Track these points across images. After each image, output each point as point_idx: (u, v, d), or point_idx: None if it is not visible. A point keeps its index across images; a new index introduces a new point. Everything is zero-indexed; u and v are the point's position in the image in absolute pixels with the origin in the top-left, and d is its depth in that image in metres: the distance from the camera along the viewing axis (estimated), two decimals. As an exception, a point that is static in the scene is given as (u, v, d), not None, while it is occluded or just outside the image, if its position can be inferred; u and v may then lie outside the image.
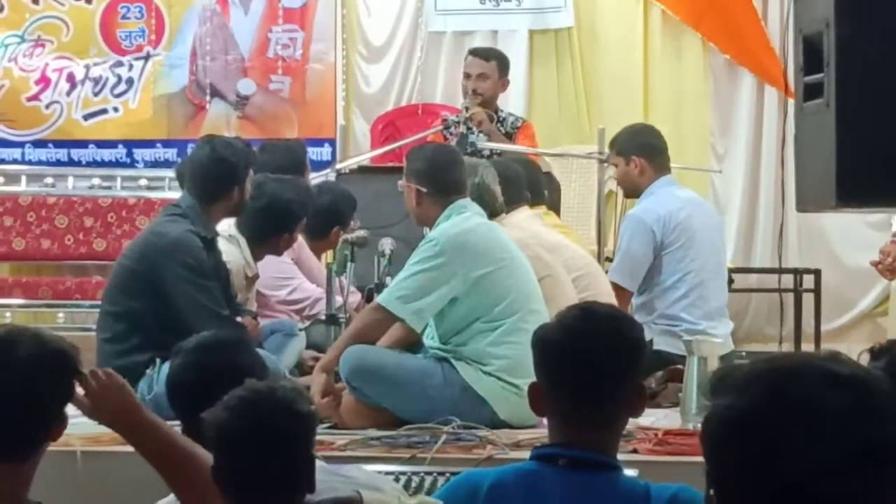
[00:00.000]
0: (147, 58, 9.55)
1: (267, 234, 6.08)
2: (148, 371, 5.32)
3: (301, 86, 9.53)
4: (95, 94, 9.55)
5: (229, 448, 2.63)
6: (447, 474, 4.02)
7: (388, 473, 3.91)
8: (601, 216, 7.49)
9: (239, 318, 5.66)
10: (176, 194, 6.56)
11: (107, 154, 9.55)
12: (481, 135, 7.48)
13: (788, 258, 8.75)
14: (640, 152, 6.72)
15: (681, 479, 2.96)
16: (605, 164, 7.23)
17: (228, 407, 2.64)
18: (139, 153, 9.55)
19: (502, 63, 7.85)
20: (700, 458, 1.74)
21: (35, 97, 9.55)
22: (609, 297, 5.85)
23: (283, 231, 6.12)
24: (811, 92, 4.36)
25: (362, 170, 7.53)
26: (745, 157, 9.18)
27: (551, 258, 5.84)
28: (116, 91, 9.55)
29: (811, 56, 4.33)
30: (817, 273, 8.44)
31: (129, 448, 2.95)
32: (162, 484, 2.90)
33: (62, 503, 3.98)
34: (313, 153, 8.71)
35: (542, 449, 2.97)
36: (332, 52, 9.51)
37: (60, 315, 8.65)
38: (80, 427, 2.77)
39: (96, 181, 9.44)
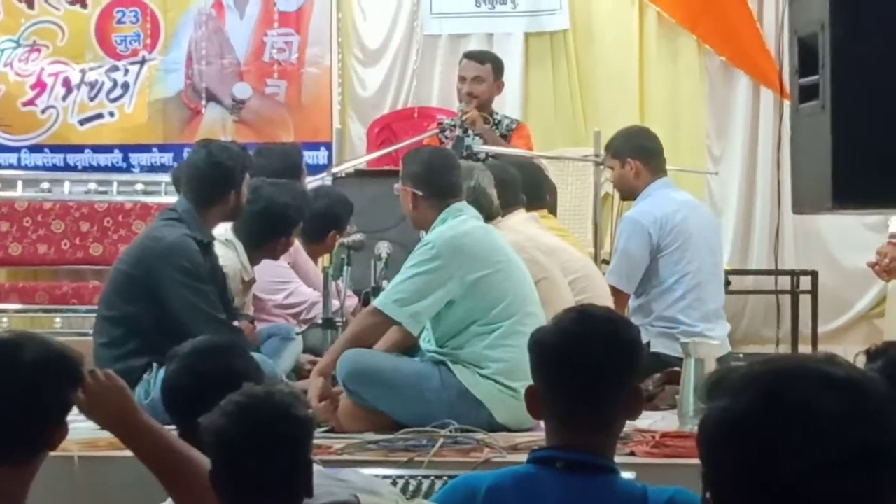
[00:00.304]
0: (143, 62, 9.54)
1: (263, 238, 6.08)
2: (145, 376, 5.32)
3: (297, 89, 9.53)
4: (91, 99, 9.54)
5: (227, 453, 2.63)
6: (444, 478, 4.02)
7: (385, 477, 3.91)
8: (597, 218, 7.50)
9: (236, 323, 5.66)
10: (172, 199, 6.56)
11: (103, 159, 9.55)
12: (477, 137, 7.48)
13: (785, 260, 8.74)
14: (636, 155, 6.72)
15: (678, 481, 2.96)
16: (602, 167, 7.24)
17: (226, 412, 2.64)
18: (135, 158, 9.54)
19: (497, 66, 7.86)
20: (697, 461, 1.74)
21: (31, 102, 9.54)
22: (606, 300, 5.85)
23: (280, 235, 6.12)
24: (807, 94, 4.36)
25: (358, 173, 7.53)
26: (741, 159, 9.19)
27: (548, 261, 5.84)
28: (112, 96, 9.54)
29: (806, 58, 4.33)
30: (814, 275, 8.44)
31: (127, 453, 2.95)
32: (159, 489, 2.90)
33: (59, 508, 3.99)
34: (309, 157, 8.71)
35: (540, 452, 2.97)
36: (328, 55, 9.51)
37: (57, 320, 8.64)
38: (77, 432, 2.77)
39: (92, 186, 9.44)
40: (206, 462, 2.68)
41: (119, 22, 9.56)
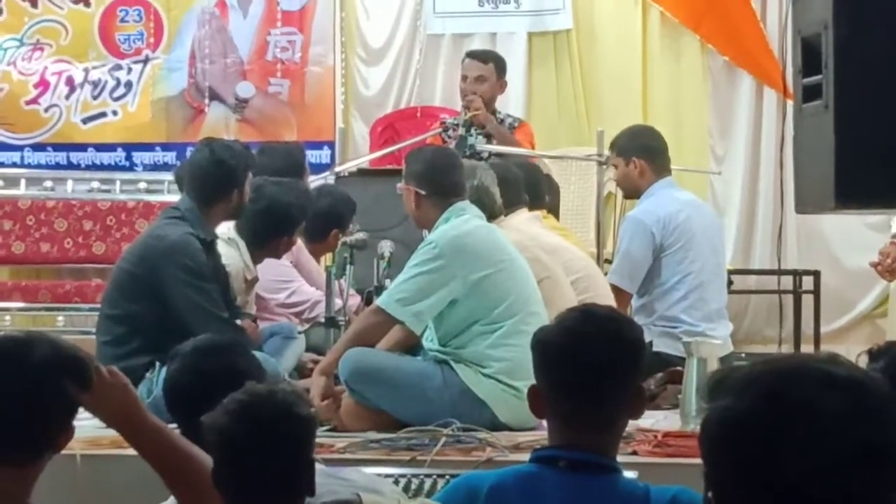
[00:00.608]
0: (146, 61, 9.55)
1: (266, 237, 6.08)
2: (147, 374, 5.32)
3: (300, 89, 9.53)
4: (94, 98, 9.55)
5: (229, 451, 2.63)
6: (447, 477, 4.02)
7: (387, 476, 3.92)
8: (600, 218, 7.49)
9: (239, 321, 5.66)
10: (175, 197, 6.56)
11: (106, 157, 9.55)
12: (480, 137, 7.48)
13: (788, 260, 8.74)
14: (641, 153, 6.73)
15: (680, 481, 2.96)
16: (605, 166, 7.24)
17: (228, 411, 2.64)
18: (138, 156, 9.55)
19: (500, 65, 7.85)
20: (699, 461, 1.74)
21: (34, 101, 9.55)
22: (608, 300, 5.85)
23: (283, 234, 6.12)
24: (810, 93, 4.36)
25: (361, 172, 7.52)
26: (744, 159, 9.19)
27: (550, 260, 5.84)
28: (115, 94, 9.55)
29: (810, 57, 4.33)
30: (816, 274, 8.44)
31: (129, 452, 2.95)
32: (161, 487, 2.90)
33: (62, 507, 3.99)
34: (312, 156, 8.71)
35: (542, 451, 2.97)
36: (331, 54, 9.51)
37: (60, 318, 8.64)
38: (80, 430, 2.76)
39: (95, 185, 9.43)
40: (209, 460, 2.68)
41: (122, 21, 9.57)
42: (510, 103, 8.72)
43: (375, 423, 5.18)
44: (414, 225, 5.66)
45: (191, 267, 5.48)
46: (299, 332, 6.17)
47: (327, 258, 6.82)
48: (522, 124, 7.87)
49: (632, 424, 3.76)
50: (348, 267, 5.83)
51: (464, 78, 7.79)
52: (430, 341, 5.33)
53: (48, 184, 9.44)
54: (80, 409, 2.78)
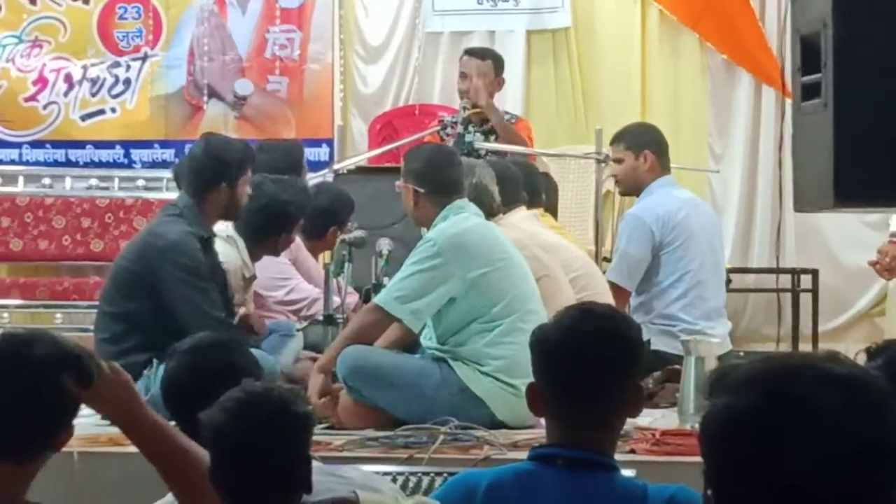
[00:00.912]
0: (144, 58, 9.54)
1: (264, 234, 6.07)
2: (145, 371, 5.32)
3: (298, 86, 9.53)
4: (93, 95, 9.54)
5: (226, 449, 2.62)
6: (444, 475, 4.02)
7: (385, 474, 3.91)
8: (599, 216, 7.49)
9: (243, 310, 5.68)
10: (173, 195, 6.56)
11: (104, 155, 9.54)
12: (478, 134, 7.48)
13: (786, 258, 8.74)
14: (653, 147, 6.75)
15: (678, 479, 2.96)
16: (603, 164, 7.23)
17: (225, 408, 2.64)
18: (137, 154, 9.54)
19: (497, 62, 7.86)
20: (698, 459, 1.74)
21: (32, 98, 9.54)
22: (606, 298, 5.85)
23: (281, 231, 6.12)
24: (808, 92, 4.35)
25: (360, 170, 7.52)
26: (742, 158, 9.18)
27: (549, 258, 5.84)
28: (114, 92, 9.54)
29: (808, 56, 4.32)
30: (815, 273, 8.44)
31: (126, 449, 2.95)
32: (159, 484, 2.90)
33: (59, 504, 3.98)
34: (311, 154, 8.71)
35: (540, 449, 2.97)
36: (330, 52, 9.51)
37: (58, 315, 8.64)
38: (77, 428, 2.76)
39: (94, 182, 9.43)
40: (208, 457, 2.68)
41: (121, 18, 9.56)
42: (509, 101, 8.72)
43: (373, 420, 5.18)
44: (412, 223, 5.66)
45: (189, 266, 5.48)
46: (297, 330, 6.17)
47: (326, 256, 6.82)
48: (520, 121, 7.87)
49: (630, 423, 3.76)
50: (346, 264, 5.83)
51: (462, 75, 7.79)
52: (428, 339, 5.33)
53: (46, 181, 9.44)
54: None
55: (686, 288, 6.52)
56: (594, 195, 7.67)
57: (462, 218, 5.33)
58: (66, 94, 9.53)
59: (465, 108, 7.60)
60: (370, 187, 6.92)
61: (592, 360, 2.90)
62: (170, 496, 2.92)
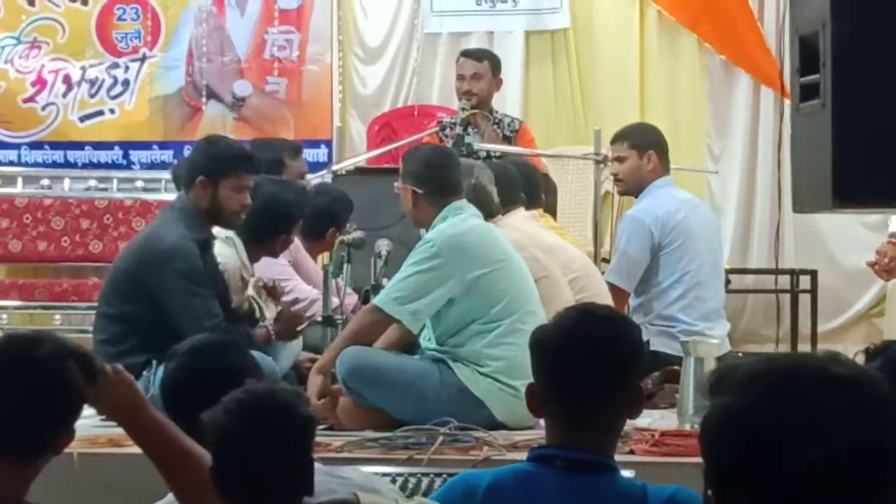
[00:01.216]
0: (143, 59, 9.54)
1: (263, 235, 6.07)
2: (144, 373, 5.31)
3: (297, 87, 9.53)
4: (91, 96, 9.54)
5: (228, 450, 2.62)
6: (444, 476, 4.02)
7: (384, 475, 3.91)
8: (597, 217, 7.48)
9: (256, 329, 5.69)
10: (172, 196, 6.56)
11: (103, 156, 9.54)
12: (477, 135, 7.49)
13: (785, 259, 8.74)
14: (657, 147, 6.75)
15: (677, 480, 2.96)
16: (602, 165, 7.23)
17: (228, 409, 2.64)
18: (135, 155, 9.54)
19: (494, 62, 7.87)
20: (697, 459, 1.74)
21: (31, 99, 9.54)
22: (606, 299, 5.85)
23: (280, 233, 6.11)
24: (807, 92, 4.35)
25: (359, 171, 7.52)
26: (741, 158, 9.18)
27: (548, 259, 5.84)
28: (113, 93, 9.54)
29: (807, 57, 4.33)
30: (814, 274, 8.44)
31: (126, 450, 2.96)
32: (158, 485, 2.90)
33: (59, 505, 3.98)
34: (309, 154, 8.70)
35: (540, 450, 2.97)
36: (329, 53, 9.51)
37: (57, 317, 8.65)
38: (77, 428, 2.76)
39: (92, 183, 9.43)
40: (209, 458, 2.68)
41: (120, 19, 9.56)
42: (507, 102, 8.73)
43: (372, 421, 5.18)
44: (411, 224, 5.66)
45: (187, 272, 5.46)
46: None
47: (324, 257, 6.82)
48: (523, 127, 7.88)
49: (629, 423, 3.76)
50: (345, 265, 5.83)
51: (460, 77, 7.80)
52: (427, 340, 5.33)
53: (45, 182, 9.44)
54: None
55: (685, 289, 6.52)
56: (593, 196, 7.67)
57: (461, 219, 5.33)
58: (64, 95, 9.53)
59: (463, 109, 7.60)
60: (369, 188, 6.92)
61: (592, 362, 2.90)
62: (170, 496, 2.92)
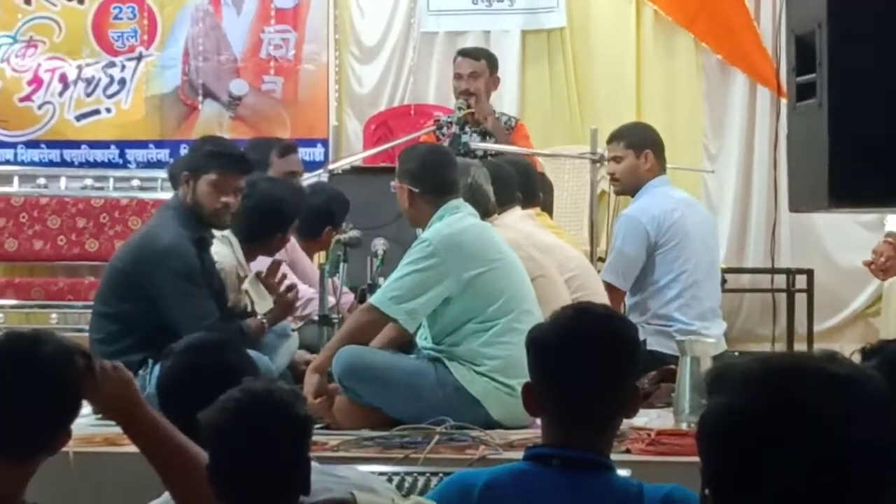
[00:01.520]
0: (139, 58, 9.54)
1: (259, 234, 6.07)
2: (140, 372, 5.31)
3: (293, 86, 9.53)
4: (88, 95, 9.53)
5: (225, 449, 2.62)
6: (440, 475, 4.03)
7: (381, 474, 3.91)
8: (594, 216, 7.49)
9: (248, 320, 5.67)
10: (168, 195, 6.56)
11: (99, 155, 9.54)
12: (474, 135, 7.49)
13: (781, 258, 8.73)
14: (654, 147, 6.75)
15: (673, 479, 2.96)
16: (598, 164, 7.23)
17: (225, 408, 2.64)
18: (132, 154, 9.54)
19: (491, 61, 7.87)
20: (693, 458, 1.74)
21: (27, 98, 9.54)
22: (602, 298, 5.86)
23: (276, 231, 6.11)
24: (803, 92, 4.35)
25: (355, 170, 7.52)
26: (737, 158, 9.18)
27: (544, 259, 5.84)
28: (109, 92, 9.54)
29: (803, 56, 4.33)
30: (810, 273, 8.44)
31: (122, 449, 2.96)
32: (154, 485, 2.90)
33: (55, 504, 3.97)
34: (306, 153, 8.71)
35: (536, 449, 2.97)
36: (325, 52, 9.50)
37: (53, 316, 8.64)
38: (73, 427, 2.76)
39: (89, 182, 9.43)
40: (206, 457, 2.68)
41: (116, 18, 9.56)
42: (504, 101, 8.72)
43: (369, 420, 5.18)
44: (407, 223, 5.66)
45: (182, 271, 5.46)
46: (293, 330, 6.17)
47: (321, 256, 6.81)
48: (519, 125, 7.87)
49: (625, 422, 3.76)
50: (342, 265, 5.83)
51: (457, 76, 7.80)
52: (423, 339, 5.33)
53: (41, 181, 9.43)
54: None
55: (681, 288, 6.52)
56: (589, 195, 7.67)
57: (457, 218, 5.33)
58: (60, 94, 9.52)
59: (460, 108, 7.60)
60: (365, 187, 6.92)
61: (589, 361, 2.90)
62: (166, 496, 2.92)
